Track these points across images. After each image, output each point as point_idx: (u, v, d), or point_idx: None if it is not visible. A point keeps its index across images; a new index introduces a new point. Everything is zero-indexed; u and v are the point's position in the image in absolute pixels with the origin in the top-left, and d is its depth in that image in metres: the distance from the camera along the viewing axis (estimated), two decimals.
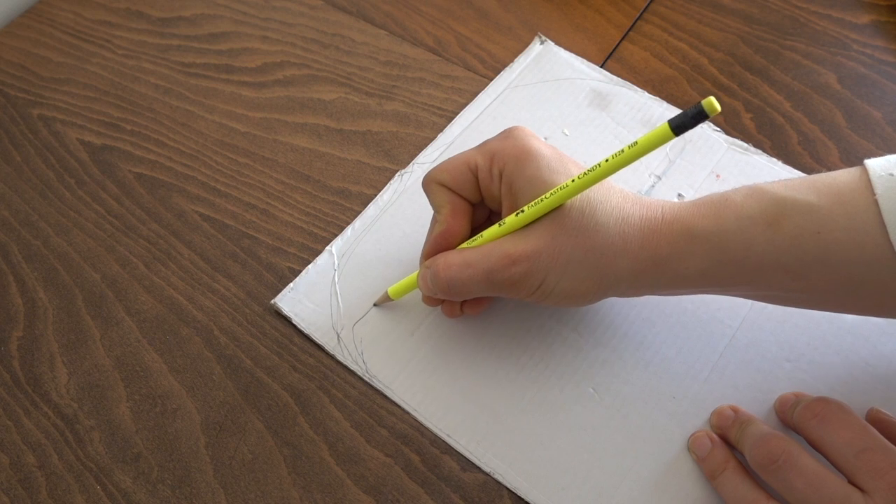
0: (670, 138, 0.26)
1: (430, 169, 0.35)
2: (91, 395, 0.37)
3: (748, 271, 0.30)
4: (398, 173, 0.43)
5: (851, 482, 0.28)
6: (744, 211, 0.30)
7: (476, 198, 0.34)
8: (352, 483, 0.34)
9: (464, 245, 0.33)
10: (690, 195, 0.41)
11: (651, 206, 0.32)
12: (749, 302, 0.37)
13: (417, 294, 0.38)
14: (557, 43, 0.48)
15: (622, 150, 0.28)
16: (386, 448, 0.35)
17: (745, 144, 0.42)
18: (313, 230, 0.41)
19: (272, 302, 0.39)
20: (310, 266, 0.40)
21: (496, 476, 0.34)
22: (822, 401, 0.31)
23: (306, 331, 0.38)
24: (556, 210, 0.31)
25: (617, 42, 0.48)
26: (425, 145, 0.44)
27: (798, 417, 0.32)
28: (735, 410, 0.34)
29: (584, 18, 0.49)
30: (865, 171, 0.29)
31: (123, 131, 0.46)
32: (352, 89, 0.47)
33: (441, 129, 0.44)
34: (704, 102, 0.25)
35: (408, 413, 0.35)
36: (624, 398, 0.35)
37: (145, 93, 0.48)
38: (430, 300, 0.36)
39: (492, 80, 0.46)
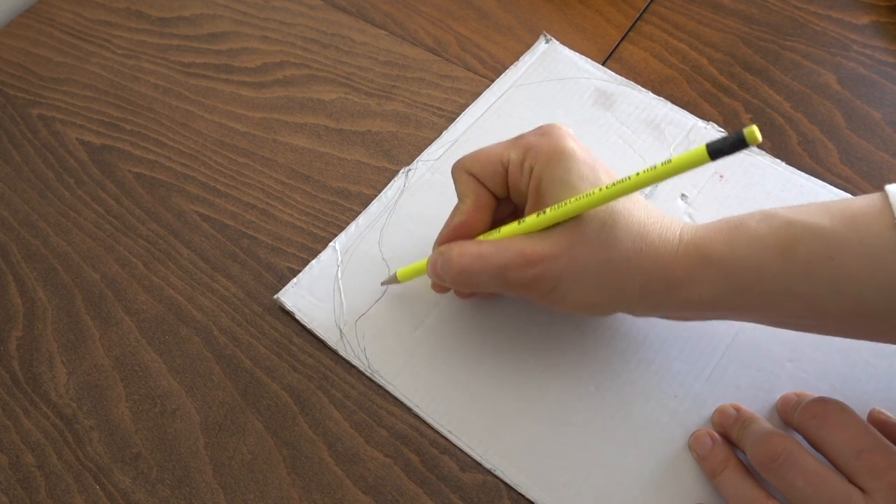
0: (706, 161, 0.26)
1: (461, 156, 0.34)
2: (90, 395, 0.37)
3: (760, 298, 0.29)
4: (402, 170, 0.43)
5: (852, 482, 0.28)
6: (756, 236, 0.29)
7: (503, 192, 0.33)
8: (351, 483, 0.34)
9: (481, 237, 0.33)
10: (694, 195, 0.41)
11: (670, 226, 0.31)
12: None
13: (423, 290, 0.38)
14: (560, 43, 0.48)
15: (654, 167, 0.27)
16: (385, 448, 0.35)
17: None
18: (313, 230, 0.41)
19: (275, 297, 0.38)
20: (313, 262, 0.40)
21: (497, 473, 0.34)
22: (822, 401, 0.31)
23: (309, 326, 0.38)
24: (578, 217, 0.30)
25: (617, 42, 0.48)
26: (425, 145, 0.44)
27: (798, 418, 0.32)
28: (737, 409, 0.33)
29: (584, 18, 0.49)
30: (882, 196, 0.28)
31: (123, 131, 0.46)
32: (351, 89, 0.47)
33: (441, 129, 0.44)
34: (746, 131, 0.24)
35: (408, 411, 0.35)
36: (626, 396, 0.35)
37: (145, 93, 0.48)
38: (439, 287, 0.35)
39: (492, 80, 0.46)
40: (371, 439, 0.35)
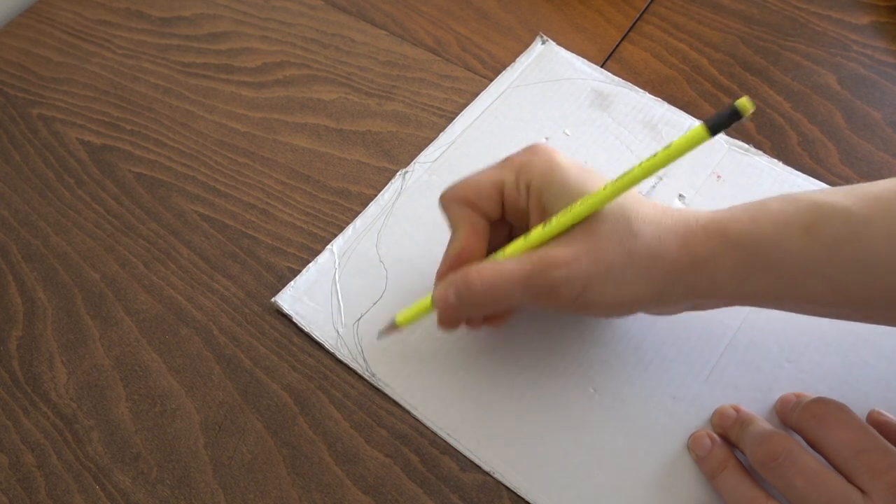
0: (706, 139, 0.26)
1: (448, 187, 0.33)
2: (90, 395, 0.37)
3: (784, 280, 0.29)
4: (400, 172, 0.43)
5: (851, 482, 0.28)
6: (780, 216, 0.29)
7: (497, 215, 0.33)
8: (351, 483, 0.34)
9: (486, 260, 0.32)
10: (691, 195, 0.41)
11: (682, 213, 0.31)
12: None
13: (418, 295, 0.38)
14: (557, 43, 0.48)
15: (655, 154, 0.28)
16: (385, 448, 0.35)
17: (746, 145, 0.42)
18: (313, 230, 0.41)
19: (272, 300, 0.39)
20: (310, 264, 0.40)
21: (496, 475, 0.34)
22: (821, 401, 0.31)
23: (306, 329, 0.38)
24: (589, 219, 0.30)
25: (617, 42, 0.48)
26: (425, 145, 0.44)
27: (797, 418, 0.32)
28: (737, 410, 0.33)
29: (584, 19, 0.49)
30: None
31: (123, 131, 0.46)
32: (352, 89, 0.47)
33: (441, 130, 0.44)
34: (738, 102, 0.25)
35: (407, 412, 0.35)
36: (624, 398, 0.35)
37: (145, 92, 0.48)
38: (449, 322, 0.33)
39: (492, 80, 0.46)
40: (371, 439, 0.35)
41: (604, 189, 0.29)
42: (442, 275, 0.33)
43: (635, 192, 0.31)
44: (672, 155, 0.27)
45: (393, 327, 0.34)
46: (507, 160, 0.33)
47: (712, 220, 0.30)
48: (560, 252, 0.30)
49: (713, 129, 0.26)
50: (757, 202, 0.30)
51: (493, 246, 0.33)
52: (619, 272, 0.30)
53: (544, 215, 0.31)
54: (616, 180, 0.29)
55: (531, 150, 0.33)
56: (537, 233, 0.31)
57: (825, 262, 0.28)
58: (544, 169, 0.31)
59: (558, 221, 0.30)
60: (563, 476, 0.33)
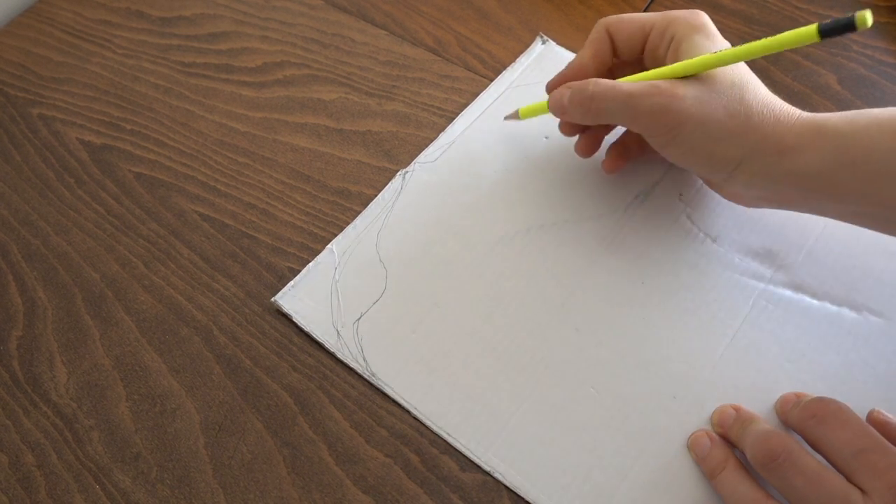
0: (815, 40, 0.28)
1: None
2: (90, 395, 0.37)
3: (864, 177, 0.31)
4: (400, 173, 0.43)
5: (851, 482, 0.28)
6: (877, 119, 0.31)
7: (633, 53, 0.37)
8: (351, 483, 0.34)
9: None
10: (691, 194, 0.41)
11: (790, 107, 0.33)
12: (750, 302, 0.37)
13: (421, 291, 0.38)
14: (558, 43, 0.48)
15: (764, 42, 0.30)
16: (385, 448, 0.35)
17: None
18: (313, 230, 0.41)
19: (272, 300, 0.39)
20: (310, 264, 0.40)
21: (496, 475, 0.34)
22: (821, 401, 0.31)
23: (306, 328, 0.38)
24: (711, 75, 0.33)
25: None
26: (425, 145, 0.44)
27: (797, 418, 0.32)
28: (737, 409, 0.34)
29: (584, 18, 0.49)
30: None
31: (123, 131, 0.46)
32: (352, 89, 0.47)
33: (441, 129, 0.44)
34: (858, 14, 0.26)
35: (407, 412, 0.35)
36: (625, 398, 0.35)
37: (145, 92, 0.48)
38: (567, 126, 0.39)
39: (492, 80, 0.46)
40: (371, 439, 0.35)
41: (723, 53, 0.32)
42: (552, 86, 0.38)
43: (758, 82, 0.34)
44: (778, 43, 0.29)
45: (516, 115, 0.41)
46: (666, 13, 0.36)
47: (813, 117, 0.32)
48: (671, 85, 0.33)
49: (824, 33, 0.27)
50: (864, 110, 0.32)
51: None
52: (714, 127, 0.33)
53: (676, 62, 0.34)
54: (735, 49, 0.32)
55: (693, 11, 0.35)
56: (662, 70, 0.34)
57: None
58: (693, 26, 0.34)
59: (684, 66, 0.33)
60: (563, 476, 0.33)
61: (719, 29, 0.35)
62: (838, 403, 0.30)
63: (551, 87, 0.38)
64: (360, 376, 0.37)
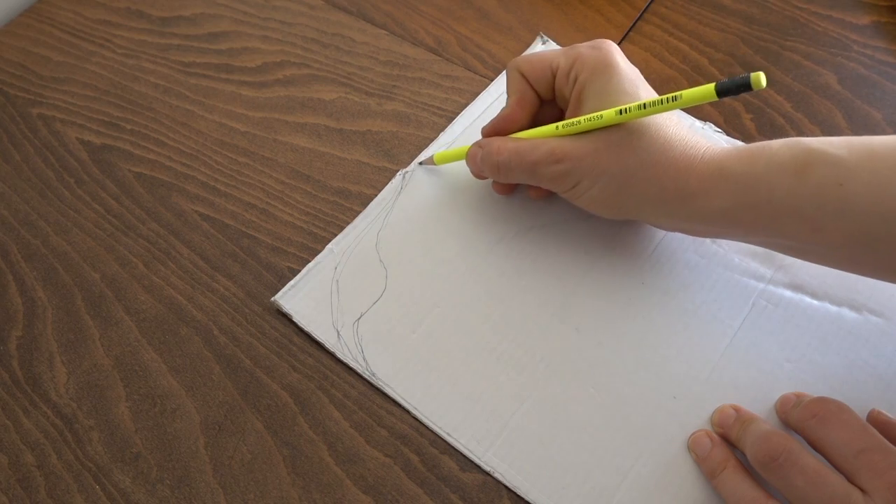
0: (712, 98, 0.29)
1: (518, 56, 0.37)
2: (90, 395, 0.37)
3: (767, 216, 0.31)
4: (400, 172, 0.43)
5: (851, 482, 0.28)
6: (775, 158, 0.31)
7: (548, 95, 0.37)
8: (351, 483, 0.34)
9: (520, 134, 0.36)
10: None
11: (696, 144, 0.33)
12: (750, 302, 0.37)
13: (422, 291, 0.38)
14: (558, 43, 0.48)
15: (663, 100, 0.30)
16: (385, 448, 0.35)
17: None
18: (313, 230, 0.41)
19: (272, 300, 0.38)
20: (310, 264, 0.40)
21: (496, 475, 0.34)
22: (821, 401, 0.31)
23: (306, 328, 0.38)
24: (609, 127, 0.33)
25: (617, 42, 0.48)
26: (425, 145, 0.44)
27: (797, 418, 0.32)
28: (737, 409, 0.34)
29: (585, 18, 0.49)
30: None
31: (123, 131, 0.46)
32: (352, 89, 0.47)
33: (441, 129, 0.44)
34: (753, 75, 0.26)
35: (407, 412, 0.35)
36: (625, 398, 0.35)
37: (145, 92, 0.48)
38: (478, 174, 0.39)
39: (492, 80, 0.46)
40: (371, 439, 0.35)
41: (616, 112, 0.32)
42: (486, 132, 0.38)
43: (671, 113, 0.34)
44: (679, 105, 0.30)
45: (430, 161, 0.41)
46: (572, 48, 0.36)
47: (714, 157, 0.32)
48: (567, 149, 0.34)
49: (720, 92, 0.28)
50: (763, 144, 0.32)
51: (542, 120, 0.37)
52: (608, 181, 0.33)
53: (579, 109, 0.34)
54: (632, 107, 0.32)
55: (595, 44, 0.35)
56: (563, 126, 0.34)
57: (808, 204, 0.30)
58: (596, 67, 0.34)
59: (583, 125, 0.33)
60: (563, 476, 0.33)
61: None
62: (839, 403, 0.30)
63: (485, 133, 0.38)
64: (360, 376, 0.37)
